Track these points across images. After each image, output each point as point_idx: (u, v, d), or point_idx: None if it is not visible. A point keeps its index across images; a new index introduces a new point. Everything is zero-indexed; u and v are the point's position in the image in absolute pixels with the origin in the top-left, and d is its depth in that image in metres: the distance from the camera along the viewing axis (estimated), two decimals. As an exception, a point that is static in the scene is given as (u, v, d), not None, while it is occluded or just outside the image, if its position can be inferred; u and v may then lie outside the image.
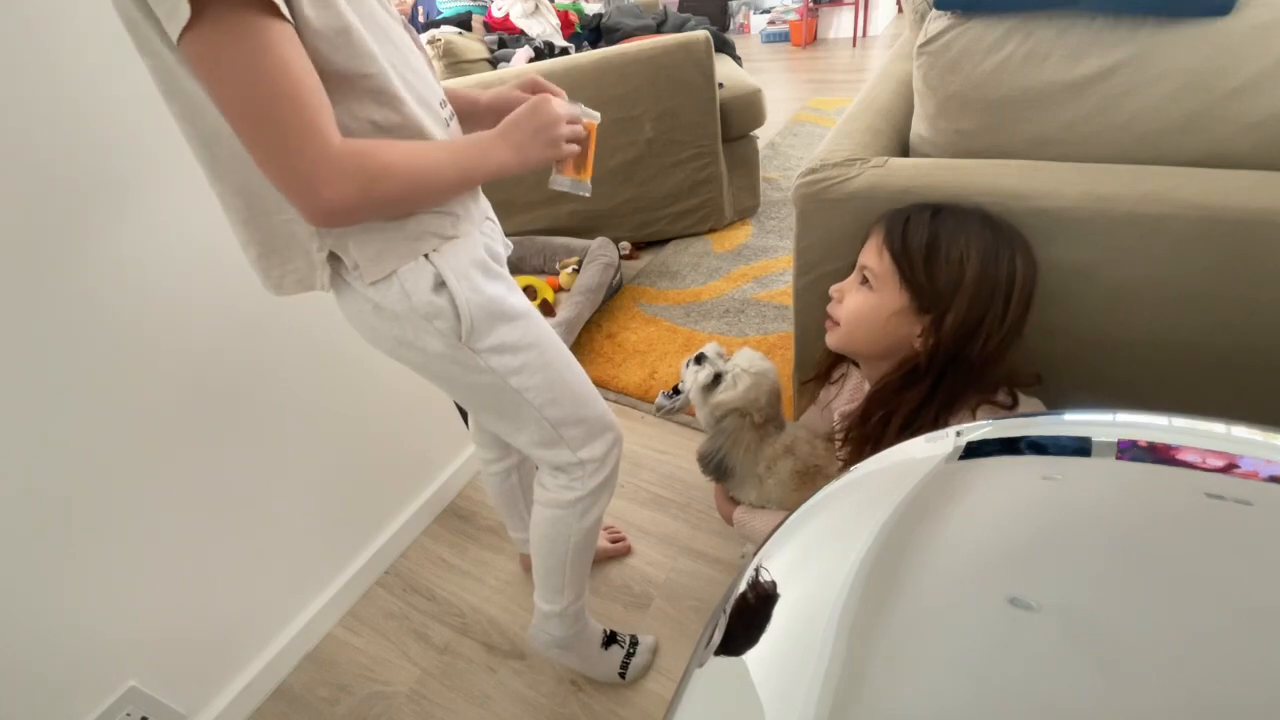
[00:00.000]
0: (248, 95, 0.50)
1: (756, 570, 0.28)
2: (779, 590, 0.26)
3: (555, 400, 0.80)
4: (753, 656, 0.23)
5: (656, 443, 1.58)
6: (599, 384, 1.78)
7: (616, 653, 1.11)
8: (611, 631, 1.13)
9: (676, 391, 1.09)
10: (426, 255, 0.68)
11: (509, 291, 0.76)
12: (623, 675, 1.10)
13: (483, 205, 0.80)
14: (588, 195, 0.81)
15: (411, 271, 0.67)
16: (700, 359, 1.02)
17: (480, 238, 0.75)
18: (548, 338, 0.80)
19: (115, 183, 0.85)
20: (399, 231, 0.66)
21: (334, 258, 0.66)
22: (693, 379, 1.01)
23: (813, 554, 0.28)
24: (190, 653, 1.05)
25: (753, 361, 1.00)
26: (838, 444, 0.93)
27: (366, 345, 0.75)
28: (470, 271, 0.70)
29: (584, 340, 1.93)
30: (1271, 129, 0.75)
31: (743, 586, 0.28)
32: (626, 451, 1.55)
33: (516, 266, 2.24)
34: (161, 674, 1.01)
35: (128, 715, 0.96)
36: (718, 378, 0.99)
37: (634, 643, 1.13)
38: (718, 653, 0.25)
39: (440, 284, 0.68)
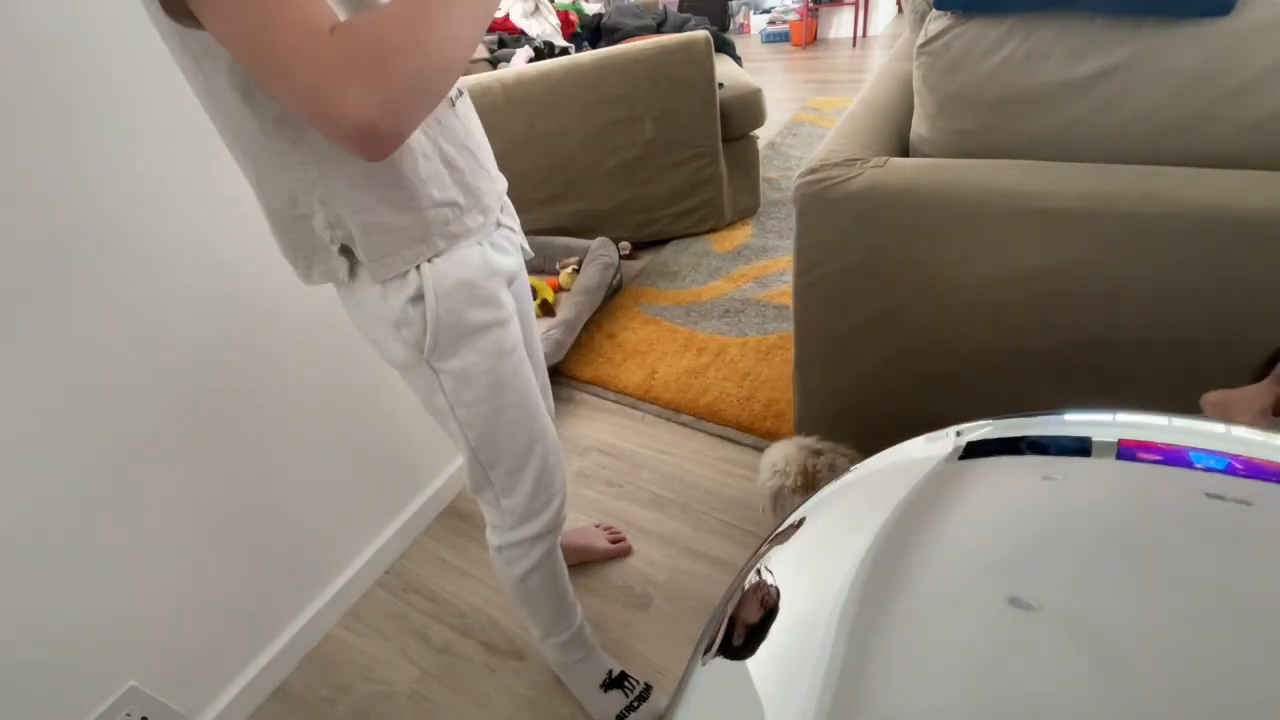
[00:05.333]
0: (241, 29, 0.46)
1: (758, 571, 0.28)
2: (780, 590, 0.26)
3: (492, 445, 0.78)
4: (753, 657, 0.23)
5: (656, 443, 1.58)
6: (599, 384, 1.78)
7: (617, 699, 1.04)
8: (620, 674, 1.06)
9: None
10: (418, 267, 0.65)
11: (497, 324, 0.72)
12: None
13: (498, 189, 0.75)
14: None
15: (398, 280, 0.66)
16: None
17: (481, 250, 0.71)
18: (515, 382, 0.76)
19: (120, 183, 0.85)
20: (405, 233, 0.64)
21: (347, 252, 0.65)
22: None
23: (813, 554, 0.28)
24: (190, 653, 1.05)
25: (775, 459, 1.09)
26: None
27: (366, 345, 0.75)
28: (455, 293, 0.68)
29: (584, 340, 1.93)
30: (1271, 129, 0.75)
31: (744, 587, 0.28)
32: (627, 451, 1.56)
33: (516, 266, 2.23)
34: (161, 674, 1.00)
35: (128, 715, 0.96)
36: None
37: (642, 696, 1.04)
38: (718, 654, 0.25)
39: (419, 296, 0.66)
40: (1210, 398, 0.60)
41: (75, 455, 0.87)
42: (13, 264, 0.78)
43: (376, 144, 0.49)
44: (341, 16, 0.50)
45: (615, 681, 1.05)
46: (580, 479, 1.51)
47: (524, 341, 0.85)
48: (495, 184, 0.74)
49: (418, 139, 0.62)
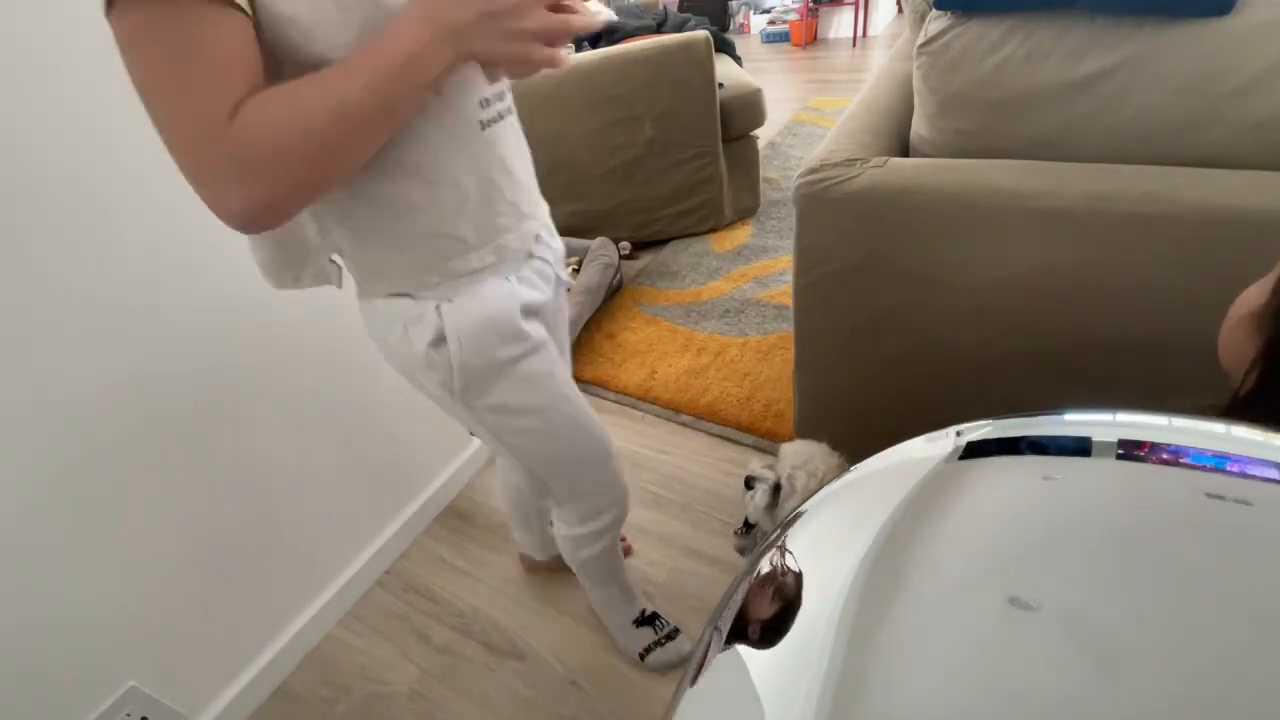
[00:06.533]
0: (146, 84, 0.43)
1: (758, 569, 0.28)
2: (801, 577, 0.26)
3: (546, 463, 0.78)
4: (753, 657, 0.23)
5: (656, 443, 1.58)
6: (599, 384, 1.78)
7: (646, 634, 1.11)
8: (653, 614, 1.13)
9: (748, 525, 1.08)
10: (437, 307, 0.61)
11: (528, 353, 0.68)
12: (643, 657, 1.11)
13: (526, 228, 0.66)
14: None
15: (416, 320, 0.62)
16: (750, 482, 1.01)
17: (508, 286, 0.65)
18: (558, 402, 0.74)
19: (119, 183, 0.85)
20: (393, 257, 0.60)
21: (336, 262, 0.65)
22: (754, 505, 0.99)
23: (813, 554, 0.28)
24: (190, 653, 1.05)
25: (799, 455, 1.01)
26: None
27: (364, 346, 0.75)
28: (480, 333, 0.63)
29: (584, 340, 1.93)
30: (1271, 129, 0.75)
31: (746, 585, 0.28)
32: (627, 452, 1.56)
33: (516, 266, 2.24)
34: (161, 674, 1.00)
35: (128, 715, 0.96)
36: (777, 488, 1.00)
37: (670, 635, 1.12)
38: (727, 645, 0.25)
39: (441, 339, 0.63)
40: (1245, 294, 0.57)
41: (75, 456, 0.87)
42: (13, 267, 0.78)
43: (246, 231, 0.48)
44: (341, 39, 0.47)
45: (647, 620, 1.12)
46: (580, 479, 1.51)
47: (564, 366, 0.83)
48: (523, 223, 0.66)
49: (423, 164, 0.56)
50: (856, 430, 1.21)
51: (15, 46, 0.74)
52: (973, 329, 0.96)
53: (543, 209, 0.72)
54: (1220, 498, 0.22)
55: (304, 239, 0.63)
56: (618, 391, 1.75)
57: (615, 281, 2.08)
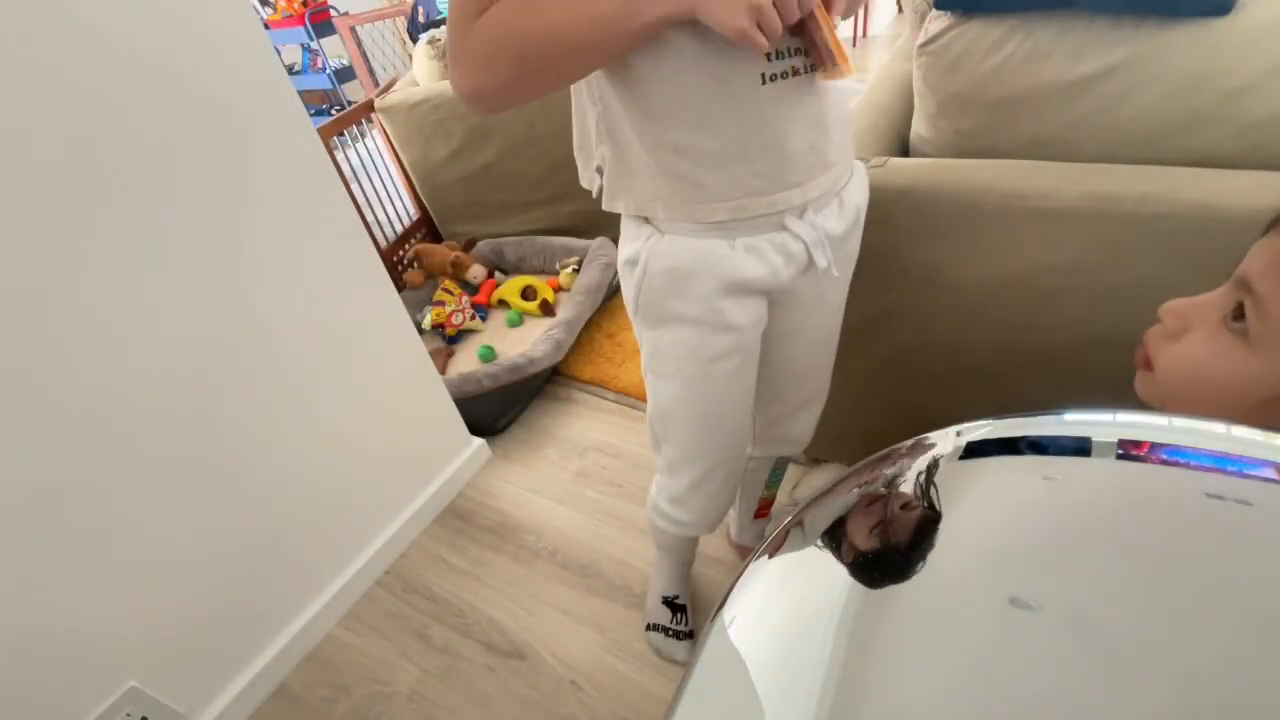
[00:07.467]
0: None
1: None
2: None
3: (664, 423, 0.81)
4: (753, 657, 0.23)
5: (656, 443, 1.58)
6: (599, 384, 1.78)
7: (665, 615, 1.13)
8: (683, 605, 1.14)
9: None
10: (649, 236, 0.66)
11: (700, 322, 0.68)
12: (648, 629, 1.14)
13: (781, 196, 0.61)
14: (860, 92, 0.54)
15: (633, 236, 0.68)
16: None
17: (722, 248, 0.63)
18: (705, 388, 0.74)
19: (104, 185, 0.85)
20: (640, 183, 0.63)
21: (600, 171, 0.69)
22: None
23: (812, 553, 0.28)
24: (190, 653, 1.05)
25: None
26: None
27: (363, 344, 0.75)
28: (663, 276, 0.66)
29: (584, 340, 1.93)
30: (1271, 129, 0.75)
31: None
32: (627, 452, 1.56)
33: (516, 266, 2.24)
34: (161, 674, 1.01)
35: (128, 715, 0.96)
36: None
37: (683, 634, 1.12)
38: (725, 638, 0.25)
39: (636, 261, 0.67)
40: (1169, 306, 0.55)
41: (75, 456, 0.87)
42: (16, 268, 0.78)
43: (474, 111, 0.58)
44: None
45: (675, 606, 1.14)
46: (580, 479, 1.51)
47: (792, 354, 0.83)
48: (780, 191, 0.61)
49: (686, 105, 0.56)
50: (855, 430, 1.21)
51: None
52: (972, 329, 0.96)
53: (826, 180, 0.64)
54: (1220, 498, 0.22)
55: (589, 138, 0.67)
56: (617, 391, 1.75)
57: (615, 281, 2.08)
